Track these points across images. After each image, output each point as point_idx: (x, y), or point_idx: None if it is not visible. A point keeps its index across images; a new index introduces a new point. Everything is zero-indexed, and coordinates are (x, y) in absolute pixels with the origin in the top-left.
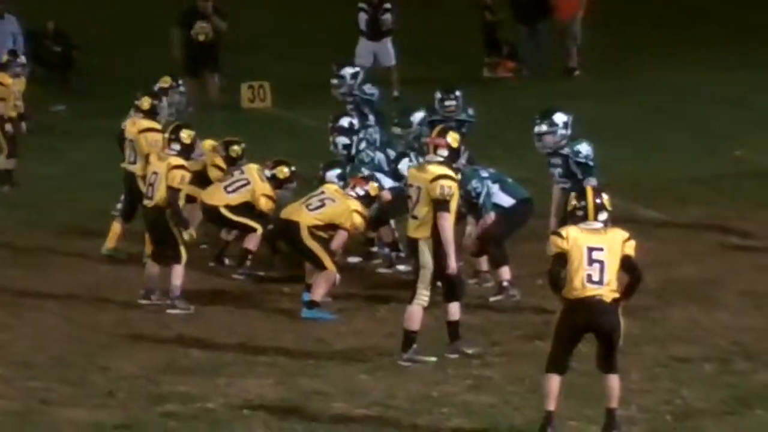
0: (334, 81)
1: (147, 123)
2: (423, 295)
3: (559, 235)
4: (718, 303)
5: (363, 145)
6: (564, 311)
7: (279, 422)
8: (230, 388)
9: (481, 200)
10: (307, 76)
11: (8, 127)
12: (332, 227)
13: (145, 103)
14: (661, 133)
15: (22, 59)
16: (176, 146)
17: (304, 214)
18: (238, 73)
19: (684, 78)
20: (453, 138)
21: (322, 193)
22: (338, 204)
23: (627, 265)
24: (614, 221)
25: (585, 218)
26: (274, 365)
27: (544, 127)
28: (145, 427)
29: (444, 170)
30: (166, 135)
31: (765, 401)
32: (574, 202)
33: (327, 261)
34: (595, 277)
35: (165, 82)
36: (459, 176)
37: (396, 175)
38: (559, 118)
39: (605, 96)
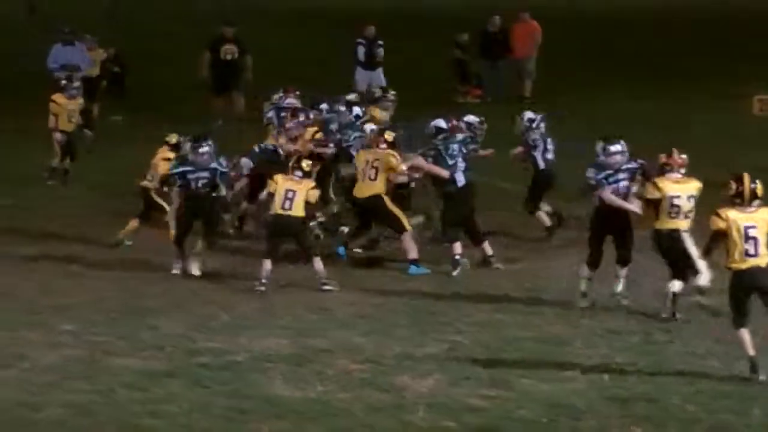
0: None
1: (170, 154)
2: None
3: (719, 216)
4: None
5: None
6: (732, 278)
7: (293, 373)
8: (253, 345)
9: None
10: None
11: (59, 136)
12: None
13: (173, 139)
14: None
15: (77, 84)
16: (299, 173)
17: (376, 186)
18: (260, 92)
19: (611, 105)
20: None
21: (367, 162)
22: (381, 159)
23: None
24: None
25: (741, 202)
26: (288, 327)
27: None
28: (185, 374)
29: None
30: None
31: (678, 366)
32: (733, 187)
33: (405, 223)
34: (751, 251)
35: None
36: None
37: None
38: None
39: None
